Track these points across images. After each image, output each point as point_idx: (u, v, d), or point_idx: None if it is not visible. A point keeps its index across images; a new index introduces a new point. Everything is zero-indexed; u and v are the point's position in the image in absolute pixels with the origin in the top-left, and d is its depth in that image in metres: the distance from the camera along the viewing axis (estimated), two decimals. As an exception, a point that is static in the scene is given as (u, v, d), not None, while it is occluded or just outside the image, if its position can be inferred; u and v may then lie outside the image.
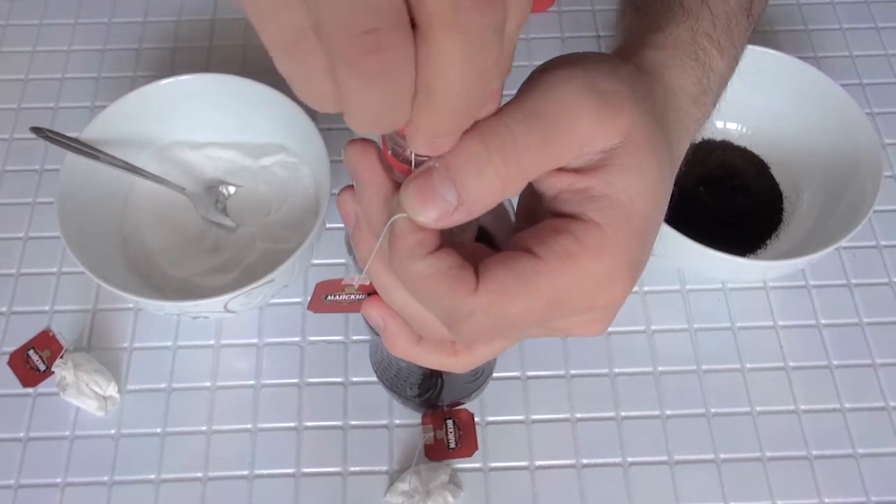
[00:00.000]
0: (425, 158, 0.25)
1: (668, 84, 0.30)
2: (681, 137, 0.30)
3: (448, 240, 0.26)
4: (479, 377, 0.51)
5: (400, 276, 0.26)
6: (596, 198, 0.26)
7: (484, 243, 0.29)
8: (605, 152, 0.26)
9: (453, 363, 0.30)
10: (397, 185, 0.25)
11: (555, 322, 0.27)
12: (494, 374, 0.53)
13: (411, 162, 0.25)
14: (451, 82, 0.19)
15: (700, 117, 0.32)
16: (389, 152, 0.25)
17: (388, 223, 0.25)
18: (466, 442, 0.51)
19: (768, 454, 0.51)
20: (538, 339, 0.54)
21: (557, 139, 0.25)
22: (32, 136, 0.56)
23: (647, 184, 0.26)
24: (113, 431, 0.52)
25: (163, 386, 0.54)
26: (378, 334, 0.35)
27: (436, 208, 0.24)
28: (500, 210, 0.34)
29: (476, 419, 0.52)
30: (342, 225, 0.59)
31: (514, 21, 0.19)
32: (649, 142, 0.26)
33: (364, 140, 0.26)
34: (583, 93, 0.25)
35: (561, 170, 0.26)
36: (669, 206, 0.54)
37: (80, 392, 0.51)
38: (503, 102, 0.25)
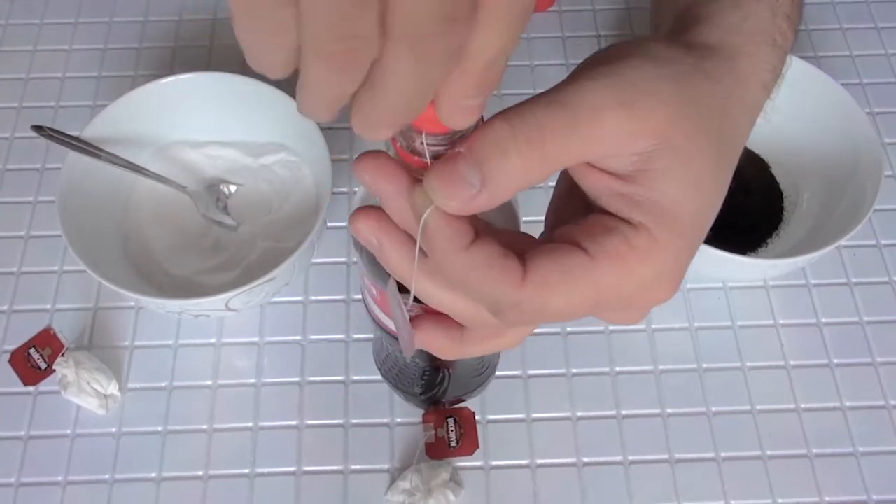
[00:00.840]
0: (442, 150, 0.25)
1: (742, 74, 0.29)
2: (743, 131, 0.29)
3: None
4: (484, 371, 0.51)
5: (445, 272, 0.26)
6: (641, 202, 0.25)
7: None
8: (641, 156, 0.25)
9: (502, 343, 0.30)
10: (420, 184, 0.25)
11: (593, 315, 0.27)
12: (496, 373, 0.53)
13: (425, 154, 0.25)
14: (397, 88, 0.20)
15: (766, 102, 0.31)
16: (402, 149, 0.25)
17: (421, 222, 0.25)
18: (467, 440, 0.51)
19: (769, 453, 0.51)
20: (539, 338, 0.55)
21: (581, 129, 0.24)
22: (34, 134, 0.56)
23: (694, 187, 0.26)
24: (114, 430, 0.52)
25: (164, 384, 0.54)
26: (384, 331, 0.35)
27: (459, 191, 0.24)
28: (509, 210, 0.34)
29: (477, 418, 0.52)
30: (343, 224, 0.59)
31: (494, 43, 0.20)
32: (696, 145, 0.26)
33: (374, 152, 0.26)
34: (612, 88, 0.25)
35: (602, 171, 0.26)
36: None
37: (81, 390, 0.51)
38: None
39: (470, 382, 0.51)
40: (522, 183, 0.24)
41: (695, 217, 0.26)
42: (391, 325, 0.38)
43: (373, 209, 0.27)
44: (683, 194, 0.26)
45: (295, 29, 0.19)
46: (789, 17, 0.31)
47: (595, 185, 0.26)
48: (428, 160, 0.25)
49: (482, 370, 0.50)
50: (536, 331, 0.55)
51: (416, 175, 0.25)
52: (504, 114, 0.24)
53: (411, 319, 0.30)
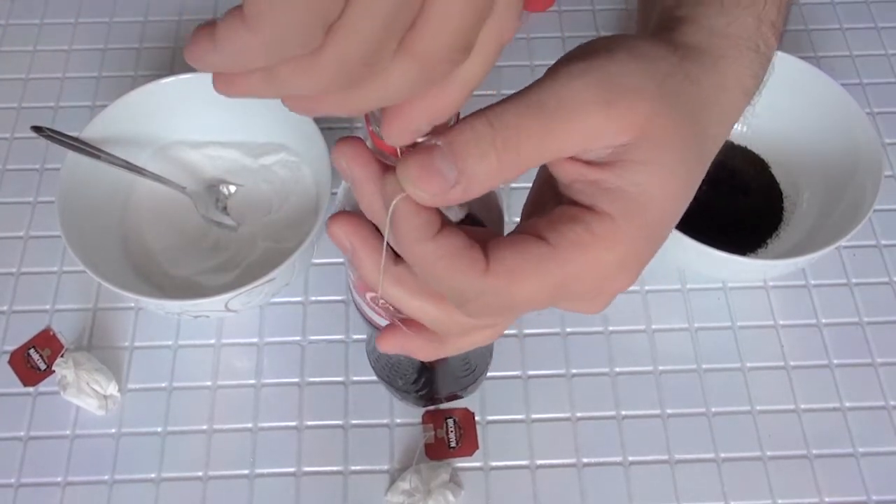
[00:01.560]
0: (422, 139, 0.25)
1: (723, 78, 0.29)
2: (721, 132, 0.30)
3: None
4: (473, 371, 0.51)
5: (412, 261, 0.26)
6: (609, 190, 0.26)
7: None
8: (617, 148, 0.26)
9: (474, 340, 0.31)
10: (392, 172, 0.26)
11: (551, 303, 0.27)
12: (495, 373, 0.53)
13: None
14: (393, 95, 0.22)
15: (746, 107, 0.31)
16: (376, 135, 0.26)
17: (391, 207, 0.25)
18: (467, 441, 0.51)
19: (769, 453, 0.51)
20: (539, 338, 0.55)
21: (559, 132, 0.25)
22: (33, 135, 0.56)
23: (664, 181, 0.26)
24: (113, 430, 0.52)
25: (163, 385, 0.54)
26: (376, 328, 0.36)
27: (435, 183, 0.24)
28: (490, 199, 0.34)
29: (477, 418, 0.52)
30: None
31: (478, 72, 0.22)
32: (671, 139, 0.26)
33: (351, 138, 0.27)
34: (594, 85, 0.25)
35: (573, 159, 0.26)
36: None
37: (81, 391, 0.51)
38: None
39: (459, 382, 0.51)
40: (497, 182, 0.25)
41: (661, 211, 0.26)
42: (380, 322, 0.38)
43: (350, 215, 0.28)
44: (652, 187, 0.26)
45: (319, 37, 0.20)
46: (774, 25, 0.32)
47: (566, 172, 0.27)
48: (399, 150, 0.25)
49: (470, 370, 0.50)
50: (536, 331, 0.55)
51: (389, 163, 0.26)
52: (484, 113, 0.25)
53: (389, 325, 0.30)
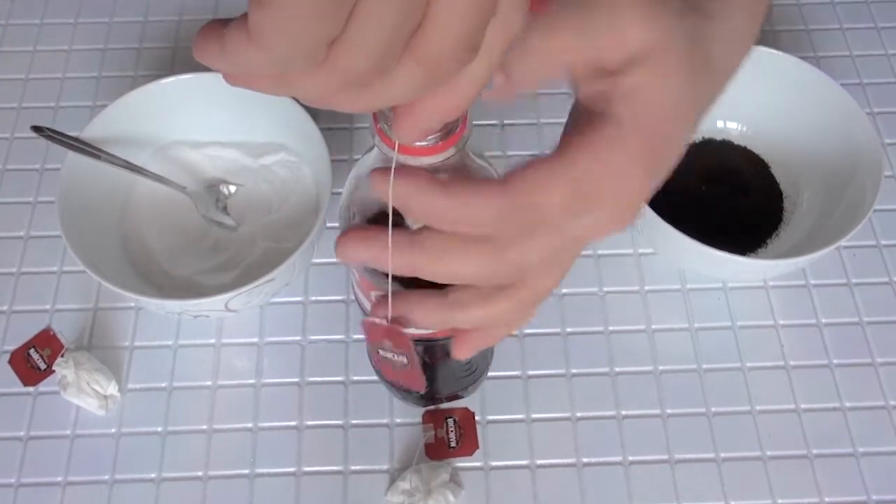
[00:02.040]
0: (431, 139, 0.26)
1: (734, 25, 0.32)
2: (729, 65, 0.32)
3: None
4: (474, 371, 0.51)
5: (434, 215, 0.26)
6: (620, 93, 0.27)
7: None
8: (633, 55, 0.26)
9: (514, 306, 0.30)
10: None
11: (575, 219, 0.27)
12: (495, 374, 0.53)
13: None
14: (398, 96, 0.22)
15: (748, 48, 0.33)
16: (384, 133, 0.27)
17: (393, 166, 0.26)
18: (467, 441, 0.51)
19: (769, 453, 0.51)
20: (539, 338, 0.55)
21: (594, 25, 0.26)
22: (33, 135, 0.56)
23: (672, 88, 0.27)
24: (113, 430, 0.52)
25: (163, 385, 0.54)
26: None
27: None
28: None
29: (477, 418, 0.52)
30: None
31: (486, 70, 0.23)
32: (681, 53, 0.27)
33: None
34: None
35: (592, 66, 0.27)
36: (670, 204, 0.55)
37: (81, 391, 0.51)
38: None
39: (459, 381, 0.51)
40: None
41: (666, 114, 0.27)
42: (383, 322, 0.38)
43: (353, 233, 0.29)
44: (660, 92, 0.27)
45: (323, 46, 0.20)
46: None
47: (585, 78, 0.28)
48: (419, 146, 0.26)
49: (471, 370, 0.50)
50: (536, 331, 0.55)
51: (390, 165, 0.26)
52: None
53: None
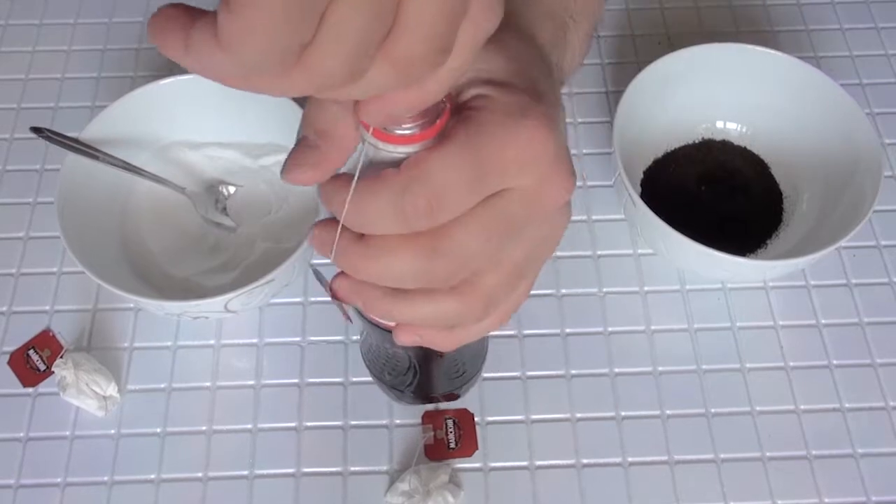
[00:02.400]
0: (409, 126, 0.26)
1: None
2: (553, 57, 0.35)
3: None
4: (462, 374, 0.50)
5: (356, 214, 0.27)
6: (488, 90, 0.28)
7: None
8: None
9: (460, 306, 0.30)
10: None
11: (502, 182, 0.27)
12: (495, 374, 0.53)
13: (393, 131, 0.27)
14: (369, 91, 0.23)
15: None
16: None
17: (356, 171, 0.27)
18: (467, 442, 0.51)
19: (768, 454, 0.51)
20: (538, 339, 0.55)
21: None
22: (33, 135, 0.56)
23: (515, 59, 0.29)
24: (113, 431, 0.52)
25: (163, 386, 0.54)
26: (365, 321, 0.36)
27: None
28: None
29: (476, 419, 0.52)
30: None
31: (459, 68, 0.23)
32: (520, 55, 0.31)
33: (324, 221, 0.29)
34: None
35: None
36: (670, 205, 0.55)
37: (80, 392, 0.51)
38: None
39: (450, 383, 0.50)
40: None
41: (529, 75, 0.30)
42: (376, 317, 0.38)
43: (315, 229, 0.29)
44: (513, 67, 0.29)
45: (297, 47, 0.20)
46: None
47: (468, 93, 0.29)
48: (398, 135, 0.27)
49: (459, 373, 0.50)
50: (535, 331, 0.55)
51: (385, 150, 0.27)
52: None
53: None
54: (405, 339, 0.32)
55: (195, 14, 0.20)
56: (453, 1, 0.21)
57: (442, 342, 0.33)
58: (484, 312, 0.31)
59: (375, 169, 0.27)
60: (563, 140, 0.29)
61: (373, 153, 0.27)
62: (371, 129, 0.27)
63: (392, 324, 0.33)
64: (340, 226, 0.28)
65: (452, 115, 0.28)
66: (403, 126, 0.26)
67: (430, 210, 0.26)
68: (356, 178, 0.27)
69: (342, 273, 0.31)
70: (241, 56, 0.19)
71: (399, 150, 0.27)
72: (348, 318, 0.36)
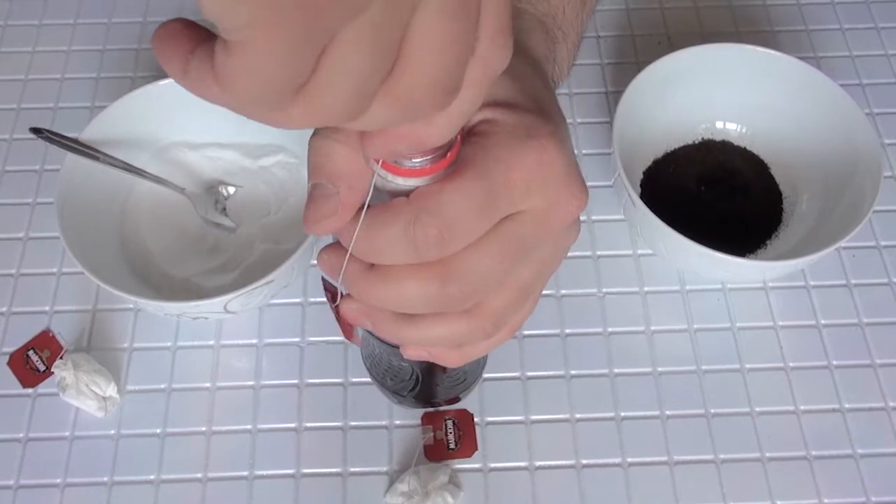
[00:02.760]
0: (419, 160, 0.26)
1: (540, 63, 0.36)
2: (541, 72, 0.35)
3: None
4: (464, 381, 0.50)
5: (364, 245, 0.27)
6: (493, 114, 0.28)
7: None
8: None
9: (470, 327, 0.30)
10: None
11: (512, 206, 0.27)
12: (494, 375, 0.53)
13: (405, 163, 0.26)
14: (375, 125, 0.22)
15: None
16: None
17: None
18: (466, 442, 0.51)
19: (768, 454, 0.51)
20: (538, 339, 0.55)
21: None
22: (32, 136, 0.56)
23: (517, 77, 0.29)
24: (112, 432, 0.52)
25: (162, 386, 0.54)
26: (371, 333, 0.36)
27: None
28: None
29: (476, 419, 0.52)
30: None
31: (471, 106, 0.23)
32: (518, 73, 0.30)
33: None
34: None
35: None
36: (669, 205, 0.55)
37: (80, 392, 0.51)
38: None
39: (452, 389, 0.50)
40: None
41: (533, 95, 0.30)
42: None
43: (321, 255, 0.30)
44: (517, 93, 0.29)
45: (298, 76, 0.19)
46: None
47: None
48: (408, 167, 0.26)
49: (460, 380, 0.50)
50: (535, 332, 0.55)
51: (394, 182, 0.27)
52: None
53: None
54: (413, 355, 0.33)
55: (197, 36, 0.20)
56: (457, 39, 0.20)
57: (450, 359, 0.33)
58: (493, 331, 0.31)
59: (384, 199, 0.27)
60: (572, 156, 0.29)
61: (381, 183, 0.27)
62: (381, 161, 0.26)
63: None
64: (348, 254, 0.28)
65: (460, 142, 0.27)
66: (413, 159, 0.26)
67: (441, 240, 0.26)
68: (365, 208, 0.27)
69: (350, 295, 0.30)
70: (237, 94, 0.19)
71: (409, 183, 0.27)
72: (348, 334, 0.36)
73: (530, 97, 0.29)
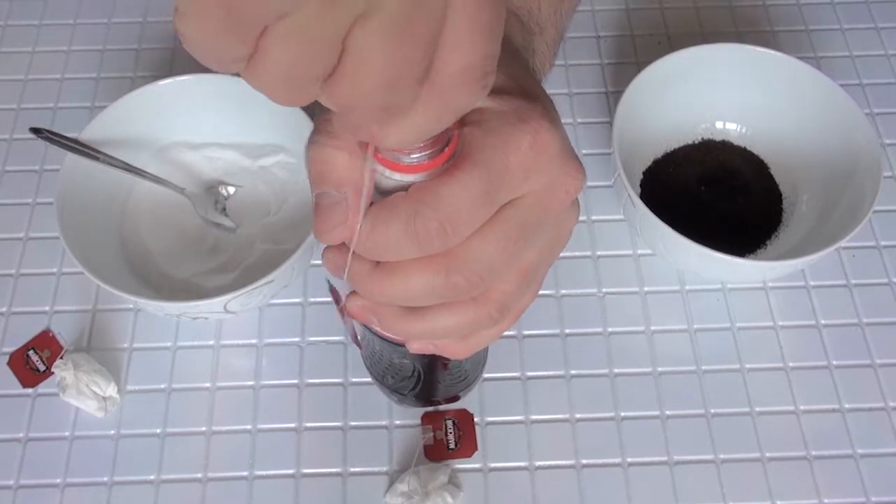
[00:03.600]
0: (417, 154, 0.26)
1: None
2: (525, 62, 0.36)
3: None
4: (465, 378, 0.51)
5: (366, 243, 0.27)
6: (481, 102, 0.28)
7: None
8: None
9: (476, 316, 0.30)
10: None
11: (512, 192, 0.27)
12: (494, 375, 0.53)
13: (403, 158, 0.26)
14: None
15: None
16: (377, 152, 0.27)
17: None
18: (466, 442, 0.51)
19: (768, 454, 0.51)
20: (538, 339, 0.55)
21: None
22: (32, 136, 0.56)
23: (501, 63, 0.30)
24: (112, 432, 0.52)
25: (162, 386, 0.54)
26: (372, 331, 0.36)
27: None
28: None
29: (476, 419, 0.52)
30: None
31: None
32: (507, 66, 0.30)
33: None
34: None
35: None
36: (669, 205, 0.55)
37: (80, 392, 0.51)
38: None
39: (452, 387, 0.50)
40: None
41: (521, 83, 0.29)
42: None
43: (325, 255, 0.30)
44: (505, 83, 0.29)
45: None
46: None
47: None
48: (406, 163, 0.26)
49: (462, 377, 0.50)
50: (535, 332, 0.55)
51: (393, 179, 0.27)
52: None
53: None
54: (419, 349, 0.32)
55: None
56: (393, 61, 0.21)
57: (456, 351, 0.33)
58: (499, 317, 0.31)
59: (384, 196, 0.27)
60: (565, 136, 0.29)
61: (382, 181, 0.27)
62: (381, 159, 0.27)
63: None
64: (351, 253, 0.28)
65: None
66: (412, 155, 0.26)
67: (443, 232, 0.26)
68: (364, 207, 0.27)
69: (355, 292, 0.30)
70: (200, 53, 0.21)
71: (408, 179, 0.27)
72: (358, 343, 0.36)
73: (515, 82, 0.29)
